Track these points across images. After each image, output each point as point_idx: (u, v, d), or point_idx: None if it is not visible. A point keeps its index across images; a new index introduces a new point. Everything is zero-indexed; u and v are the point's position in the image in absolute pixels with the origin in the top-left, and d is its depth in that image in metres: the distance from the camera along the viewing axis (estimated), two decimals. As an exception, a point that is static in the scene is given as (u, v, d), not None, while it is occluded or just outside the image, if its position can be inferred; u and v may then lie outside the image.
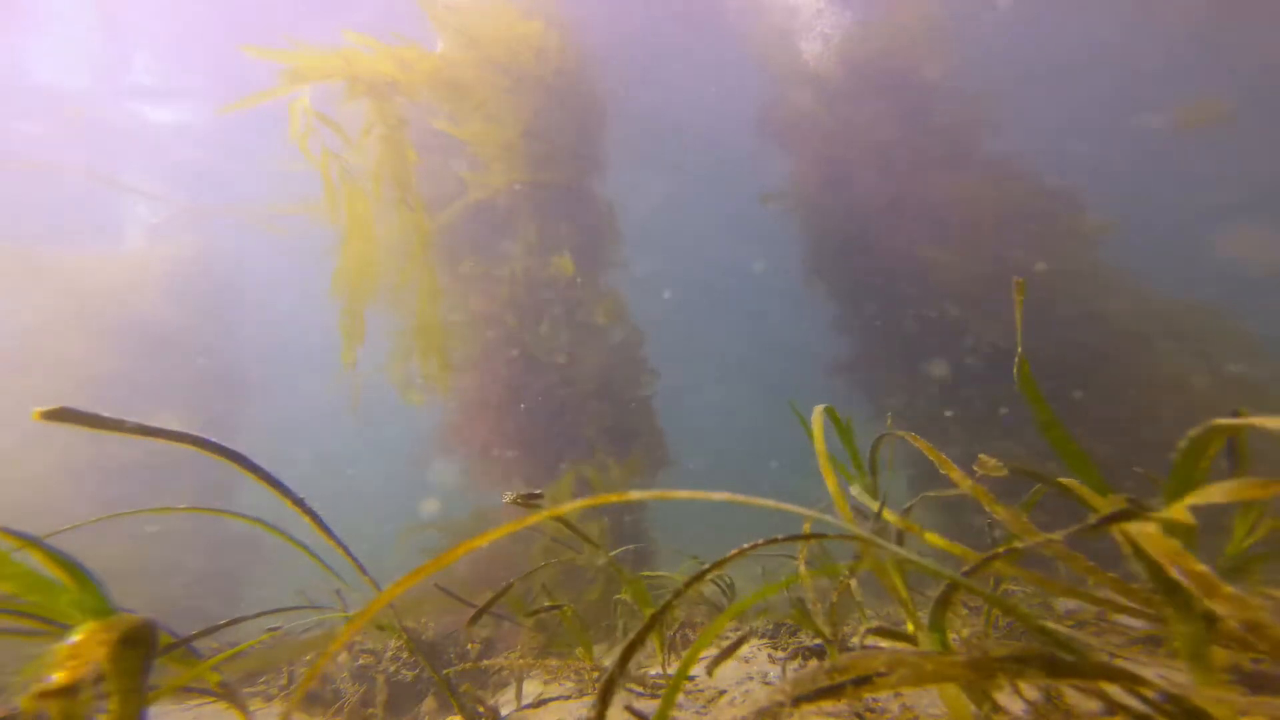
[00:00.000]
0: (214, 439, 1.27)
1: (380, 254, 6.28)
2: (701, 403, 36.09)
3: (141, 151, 17.73)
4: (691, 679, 2.61)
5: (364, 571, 1.64)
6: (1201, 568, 0.88)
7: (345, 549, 1.56)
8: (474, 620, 1.83)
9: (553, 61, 7.33)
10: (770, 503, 0.97)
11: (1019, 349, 1.47)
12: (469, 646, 3.72)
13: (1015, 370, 1.47)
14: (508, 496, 1.85)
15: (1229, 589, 0.84)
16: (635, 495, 0.91)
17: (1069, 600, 2.87)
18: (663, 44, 14.73)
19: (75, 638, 0.91)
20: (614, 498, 0.91)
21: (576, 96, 7.73)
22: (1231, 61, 12.86)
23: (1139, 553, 1.01)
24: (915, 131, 7.56)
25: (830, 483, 1.79)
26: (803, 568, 1.86)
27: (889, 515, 1.86)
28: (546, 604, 2.34)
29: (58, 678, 0.85)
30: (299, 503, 1.43)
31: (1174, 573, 0.89)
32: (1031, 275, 6.41)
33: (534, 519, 0.89)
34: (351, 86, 5.75)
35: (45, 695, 0.84)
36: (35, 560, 1.15)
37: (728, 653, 1.90)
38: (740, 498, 0.94)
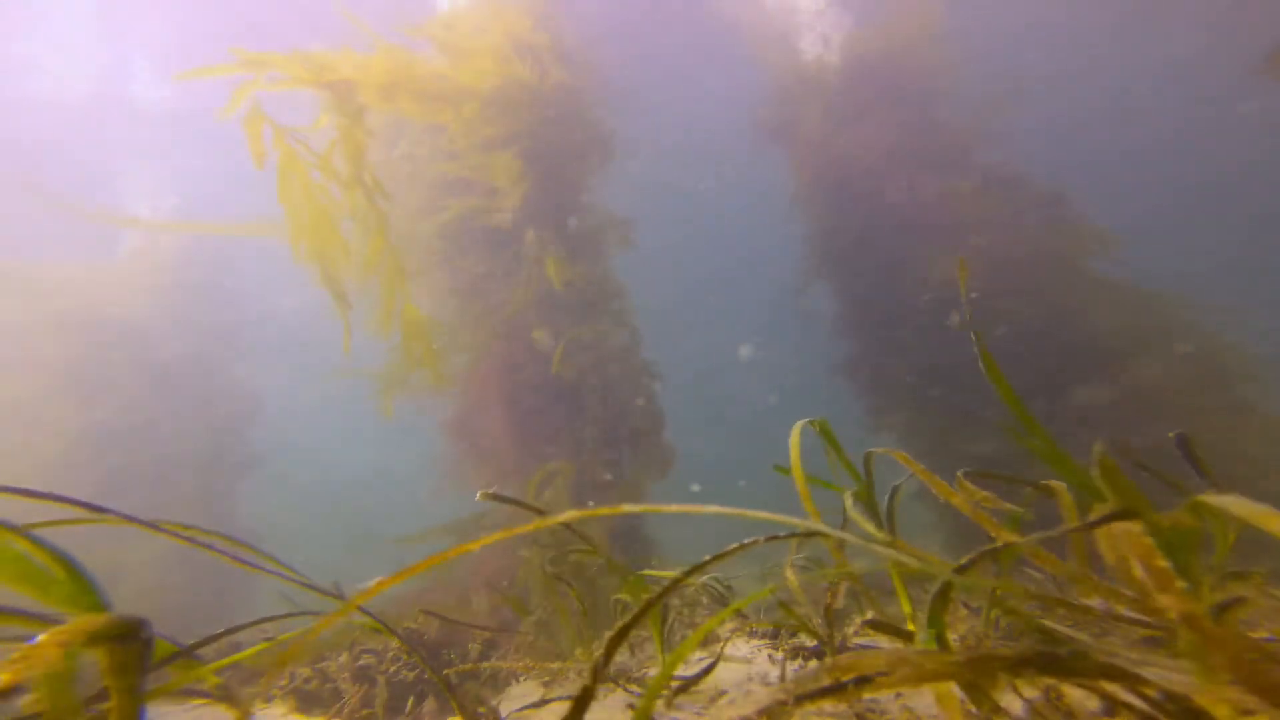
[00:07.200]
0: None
1: (340, 224, 6.21)
2: (701, 404, 36.08)
3: (138, 149, 17.77)
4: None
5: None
6: (1164, 564, 0.91)
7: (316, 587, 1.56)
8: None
9: (548, 66, 7.32)
10: (762, 515, 0.99)
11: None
12: (470, 647, 3.73)
13: (983, 369, 1.49)
14: (480, 495, 1.83)
15: (1180, 585, 0.88)
16: (627, 508, 0.97)
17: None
18: (662, 44, 14.76)
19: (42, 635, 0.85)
20: (605, 511, 0.96)
21: (574, 99, 7.71)
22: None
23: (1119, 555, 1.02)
24: (916, 134, 7.56)
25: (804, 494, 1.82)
26: (789, 572, 1.88)
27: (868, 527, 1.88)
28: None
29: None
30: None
31: (1138, 569, 0.92)
32: (1029, 277, 6.42)
33: (530, 527, 0.90)
34: (312, 80, 5.70)
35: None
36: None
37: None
38: (731, 510, 0.97)
